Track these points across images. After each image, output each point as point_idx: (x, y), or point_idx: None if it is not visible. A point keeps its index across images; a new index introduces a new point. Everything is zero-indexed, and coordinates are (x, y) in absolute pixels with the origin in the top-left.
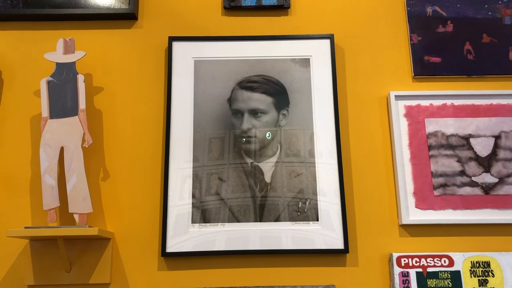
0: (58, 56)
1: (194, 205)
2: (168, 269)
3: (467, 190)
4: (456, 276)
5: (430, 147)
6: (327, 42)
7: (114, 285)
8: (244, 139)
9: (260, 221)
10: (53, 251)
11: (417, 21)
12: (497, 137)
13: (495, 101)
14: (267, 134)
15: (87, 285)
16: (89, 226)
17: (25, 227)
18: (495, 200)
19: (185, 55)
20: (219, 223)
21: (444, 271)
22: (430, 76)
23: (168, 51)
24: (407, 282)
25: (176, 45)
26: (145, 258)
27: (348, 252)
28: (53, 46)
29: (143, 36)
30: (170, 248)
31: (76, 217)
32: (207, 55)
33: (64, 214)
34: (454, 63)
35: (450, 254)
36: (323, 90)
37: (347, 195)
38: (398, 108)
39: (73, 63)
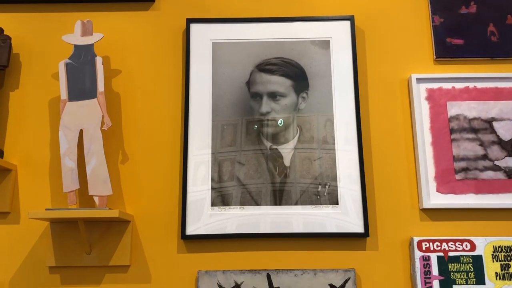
0: (76, 38)
1: (213, 188)
2: (187, 252)
3: (489, 174)
4: (478, 261)
5: (452, 131)
6: (347, 23)
7: (134, 267)
8: (263, 123)
9: (280, 204)
10: (73, 233)
11: (439, 2)
12: None
13: None
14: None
15: (107, 267)
16: (109, 209)
17: (46, 209)
18: None
19: (203, 37)
20: (239, 206)
21: (466, 256)
22: (453, 59)
23: (186, 33)
24: (428, 266)
25: (194, 27)
26: (164, 241)
27: (368, 236)
28: (71, 28)
29: (160, 18)
30: (189, 231)
31: (96, 199)
32: (225, 37)
33: (84, 197)
34: (477, 45)
35: (472, 238)
36: (343, 73)
37: (367, 179)
38: (420, 91)
39: (91, 45)
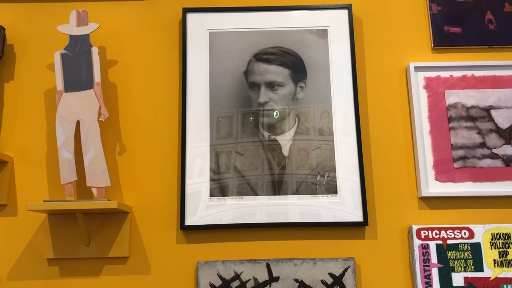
0: (72, 28)
1: (212, 179)
2: (187, 242)
3: (487, 162)
4: (476, 248)
5: (450, 119)
6: (344, 12)
7: (133, 259)
8: (260, 113)
9: (278, 194)
10: (71, 225)
11: None
12: None
13: None
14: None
15: (106, 258)
16: (107, 200)
17: (44, 201)
18: None
19: (199, 27)
20: (238, 197)
21: (464, 243)
22: (450, 47)
23: (182, 23)
24: (427, 254)
25: (190, 16)
26: (163, 232)
27: (367, 225)
28: (66, 18)
29: (156, 7)
30: (188, 222)
31: (94, 191)
32: (222, 26)
33: (82, 188)
34: (475, 33)
35: (470, 226)
36: (341, 62)
37: (366, 168)
38: (418, 80)
39: (87, 35)
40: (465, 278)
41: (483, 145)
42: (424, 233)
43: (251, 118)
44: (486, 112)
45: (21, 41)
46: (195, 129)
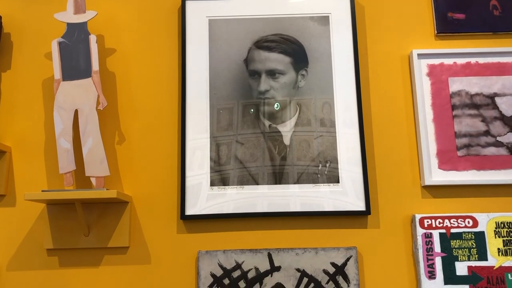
0: (69, 16)
1: (212, 168)
2: (187, 232)
3: (491, 150)
4: (480, 237)
5: (453, 107)
6: None
7: (133, 249)
8: (261, 102)
9: (280, 183)
10: (70, 215)
11: None
12: None
13: None
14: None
15: (106, 248)
16: (107, 189)
17: (42, 191)
18: None
19: (199, 14)
20: (238, 186)
21: (468, 232)
22: (454, 34)
23: (181, 10)
24: (430, 243)
25: (189, 4)
26: (164, 221)
27: (369, 214)
28: (63, 6)
29: None
30: (189, 211)
31: (93, 180)
32: (222, 14)
33: (81, 178)
34: (479, 20)
35: (474, 215)
36: (343, 49)
37: (368, 157)
38: (421, 67)
39: (85, 23)
40: (469, 267)
41: (487, 133)
42: (427, 222)
43: (252, 109)
44: (490, 99)
45: (18, 30)
46: (195, 119)
